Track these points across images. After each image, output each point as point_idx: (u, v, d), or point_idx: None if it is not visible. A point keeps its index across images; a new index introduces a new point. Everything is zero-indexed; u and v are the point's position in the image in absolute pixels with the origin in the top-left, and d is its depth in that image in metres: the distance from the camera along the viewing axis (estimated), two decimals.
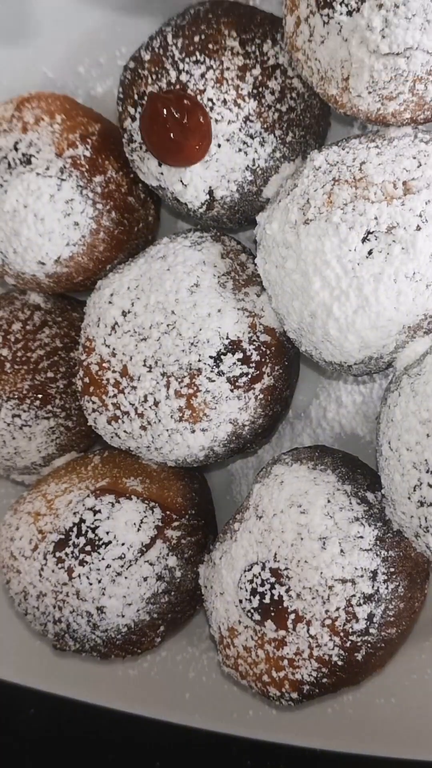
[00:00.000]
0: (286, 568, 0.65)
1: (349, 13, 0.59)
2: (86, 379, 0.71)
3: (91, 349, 0.71)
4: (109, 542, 0.70)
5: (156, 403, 0.68)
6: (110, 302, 0.70)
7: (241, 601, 0.66)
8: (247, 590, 0.66)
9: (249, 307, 0.69)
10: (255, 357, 0.68)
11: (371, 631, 0.64)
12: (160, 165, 0.69)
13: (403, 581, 0.66)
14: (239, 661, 0.69)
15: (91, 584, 0.70)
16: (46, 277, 0.74)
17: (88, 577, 0.70)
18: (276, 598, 0.65)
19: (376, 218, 0.61)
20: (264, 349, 0.69)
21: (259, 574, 0.66)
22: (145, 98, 0.69)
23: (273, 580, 0.65)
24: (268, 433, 0.76)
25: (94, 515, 0.71)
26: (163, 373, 0.68)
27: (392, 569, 0.65)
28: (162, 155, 0.67)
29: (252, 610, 0.65)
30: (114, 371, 0.69)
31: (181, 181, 0.68)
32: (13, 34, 0.79)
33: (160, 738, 0.84)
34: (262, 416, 0.71)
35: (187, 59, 0.68)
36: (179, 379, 0.67)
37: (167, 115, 0.65)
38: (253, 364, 0.68)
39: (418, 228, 0.60)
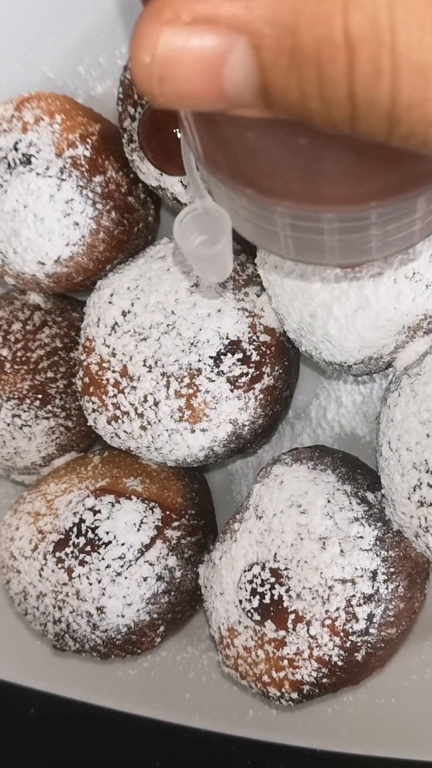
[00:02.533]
0: (286, 569, 0.65)
1: None
2: (86, 379, 0.71)
3: (91, 349, 0.71)
4: (109, 542, 0.70)
5: (156, 403, 0.68)
6: (110, 302, 0.70)
7: (240, 602, 0.66)
8: (246, 590, 0.66)
9: (249, 307, 0.69)
10: (255, 357, 0.68)
11: (371, 631, 0.64)
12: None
13: (403, 581, 0.66)
14: (239, 661, 0.69)
15: (91, 584, 0.70)
16: (46, 277, 0.74)
17: (88, 577, 0.70)
18: (276, 598, 0.65)
19: None
20: (264, 349, 0.69)
21: (259, 574, 0.66)
22: (145, 99, 0.68)
23: (273, 580, 0.65)
24: (268, 433, 0.77)
25: (94, 515, 0.71)
26: (163, 373, 0.68)
27: (392, 569, 0.65)
28: (163, 165, 0.67)
29: (252, 610, 0.65)
30: (114, 371, 0.69)
31: (181, 181, 0.68)
32: (13, 34, 0.79)
33: (160, 738, 0.84)
34: (262, 416, 0.71)
35: None
36: (179, 379, 0.67)
37: (166, 124, 0.64)
38: (253, 364, 0.68)
39: None
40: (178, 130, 0.65)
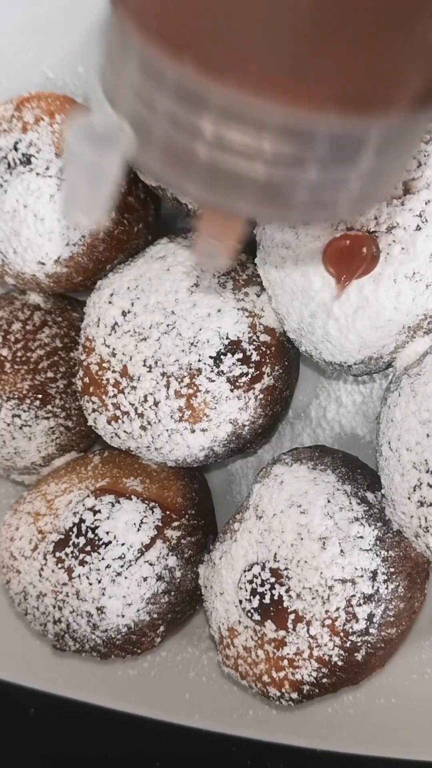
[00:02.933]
0: (286, 568, 0.65)
1: None
2: (86, 379, 0.71)
3: (91, 349, 0.71)
4: (109, 542, 0.70)
5: (156, 403, 0.68)
6: (110, 302, 0.70)
7: (240, 602, 0.66)
8: (246, 590, 0.66)
9: (249, 307, 0.69)
10: (255, 357, 0.68)
11: (371, 631, 0.64)
12: None
13: (403, 581, 0.66)
14: (239, 661, 0.69)
15: (91, 584, 0.70)
16: (46, 277, 0.74)
17: (88, 577, 0.70)
18: (276, 598, 0.65)
19: (375, 218, 0.61)
20: (264, 349, 0.69)
21: (259, 574, 0.66)
22: None
23: (273, 580, 0.65)
24: (268, 433, 0.77)
25: (94, 515, 0.71)
26: (163, 373, 0.68)
27: (392, 569, 0.65)
28: None
29: (252, 611, 0.65)
30: (114, 371, 0.69)
31: None
32: (13, 34, 0.79)
33: (160, 738, 0.84)
34: (262, 416, 0.71)
35: None
36: (179, 379, 0.67)
37: None
38: (253, 364, 0.68)
39: (418, 228, 0.60)
40: None
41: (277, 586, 0.65)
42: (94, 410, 0.72)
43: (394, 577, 0.65)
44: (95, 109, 0.35)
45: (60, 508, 0.73)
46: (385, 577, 0.65)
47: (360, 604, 0.64)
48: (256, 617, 0.65)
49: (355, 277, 0.60)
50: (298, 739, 0.77)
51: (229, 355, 0.67)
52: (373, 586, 0.64)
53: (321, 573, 0.64)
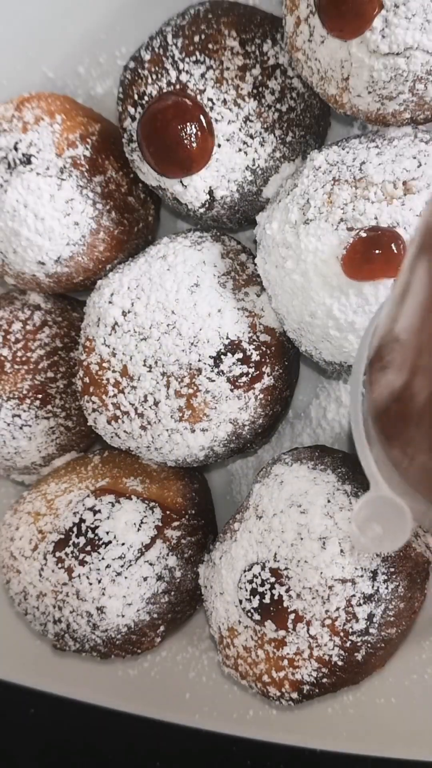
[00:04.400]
0: (286, 568, 0.65)
1: None
2: (86, 379, 0.71)
3: (91, 349, 0.71)
4: (109, 542, 0.70)
5: (156, 403, 0.68)
6: (110, 302, 0.70)
7: (240, 601, 0.66)
8: (246, 590, 0.66)
9: (249, 307, 0.69)
10: (255, 357, 0.68)
11: (371, 631, 0.64)
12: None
13: (403, 581, 0.66)
14: (239, 661, 0.69)
15: (91, 584, 0.70)
16: (46, 277, 0.74)
17: (88, 577, 0.70)
18: (276, 598, 0.65)
19: (376, 218, 0.61)
20: (264, 349, 0.69)
21: (259, 574, 0.66)
22: (145, 99, 0.69)
23: (273, 580, 0.65)
24: (268, 433, 0.77)
25: (94, 515, 0.71)
26: (163, 373, 0.68)
27: (392, 569, 0.65)
28: (163, 167, 0.67)
29: (252, 610, 0.65)
30: (114, 371, 0.70)
31: (181, 182, 0.68)
32: (13, 34, 0.79)
33: (160, 738, 0.84)
34: (262, 416, 0.71)
35: (187, 59, 0.68)
36: (179, 379, 0.67)
37: (166, 126, 0.64)
38: (253, 364, 0.68)
39: None
40: (181, 128, 0.65)
41: (277, 585, 0.65)
42: (94, 410, 0.72)
43: (394, 576, 0.65)
44: (371, 483, 0.42)
45: (60, 508, 0.73)
46: (385, 577, 0.65)
47: (360, 604, 0.64)
48: (256, 617, 0.65)
49: (387, 275, 0.60)
50: (298, 739, 0.76)
51: (229, 355, 0.67)
52: (373, 586, 0.64)
53: (321, 573, 0.64)
